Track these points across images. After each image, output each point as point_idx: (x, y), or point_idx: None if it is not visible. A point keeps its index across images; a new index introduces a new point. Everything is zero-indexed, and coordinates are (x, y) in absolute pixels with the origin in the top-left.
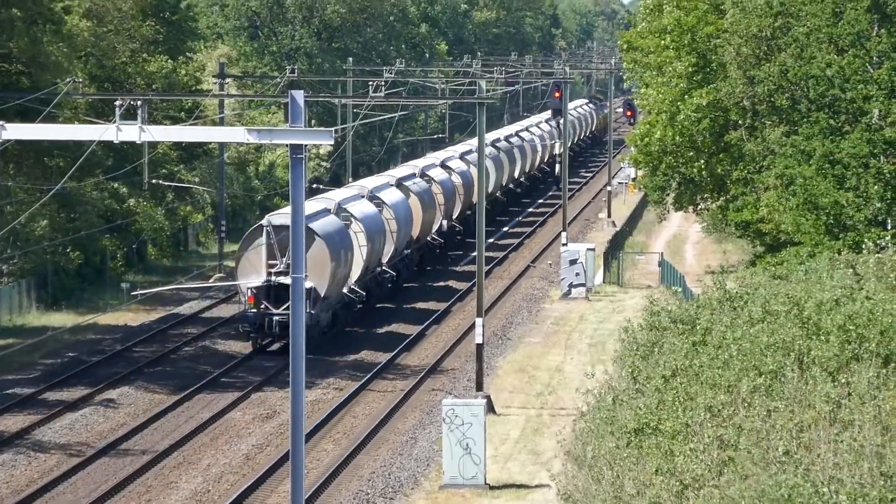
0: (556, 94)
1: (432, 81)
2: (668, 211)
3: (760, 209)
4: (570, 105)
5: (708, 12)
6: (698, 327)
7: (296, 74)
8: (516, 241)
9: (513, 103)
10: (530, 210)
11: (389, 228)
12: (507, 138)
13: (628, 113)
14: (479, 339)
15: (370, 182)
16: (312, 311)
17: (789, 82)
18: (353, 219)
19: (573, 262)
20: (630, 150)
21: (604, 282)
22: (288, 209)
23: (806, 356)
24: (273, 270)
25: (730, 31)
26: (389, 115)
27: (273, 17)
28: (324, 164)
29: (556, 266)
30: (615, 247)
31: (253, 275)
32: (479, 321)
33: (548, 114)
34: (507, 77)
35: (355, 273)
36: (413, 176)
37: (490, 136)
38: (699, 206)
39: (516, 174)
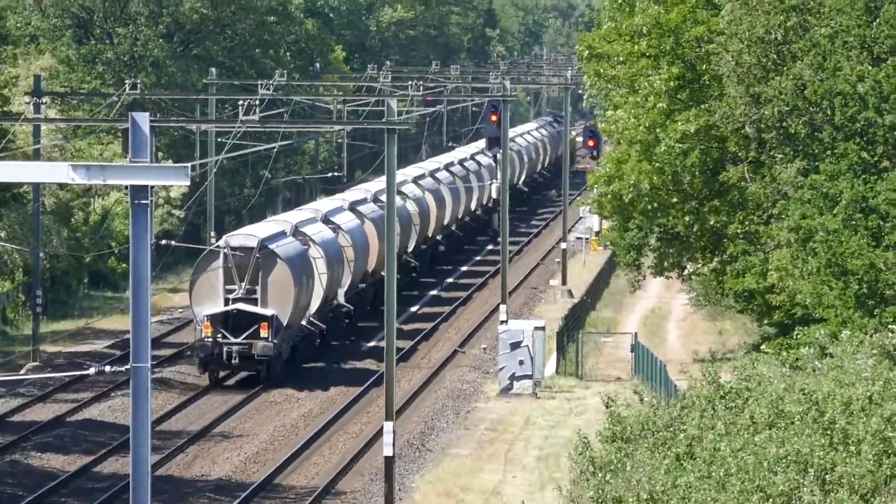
0: (493, 118)
1: (324, 100)
2: (645, 277)
3: (768, 274)
4: (517, 130)
5: (697, 7)
6: (683, 436)
7: (139, 91)
8: (442, 312)
9: (434, 129)
10: (464, 269)
11: (347, 257)
12: (432, 173)
13: (590, 143)
14: (388, 451)
15: (322, 205)
16: (275, 341)
17: (807, 102)
18: (311, 242)
19: (516, 345)
20: (592, 194)
21: (557, 372)
22: (246, 229)
23: (829, 473)
24: (231, 296)
25: (727, 32)
26: (266, 147)
27: (108, 13)
28: (176, 212)
29: (492, 351)
30: (573, 325)
31: (208, 301)
32: (388, 426)
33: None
34: (427, 94)
35: (315, 303)
36: (366, 201)
37: (410, 172)
38: (686, 271)
39: (446, 220)
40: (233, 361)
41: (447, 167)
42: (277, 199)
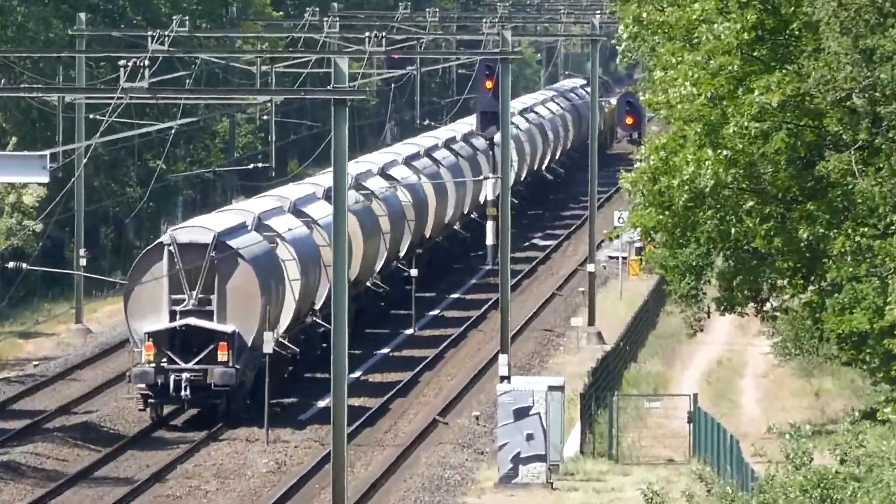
0: (488, 84)
1: (244, 60)
2: (709, 314)
3: (888, 309)
4: (524, 101)
5: None
6: None
7: None
8: (424, 357)
9: (403, 102)
10: (455, 297)
11: (324, 260)
12: (429, 152)
13: (628, 121)
14: None
15: (290, 192)
16: (237, 367)
17: None
18: (280, 240)
19: (522, 413)
20: (630, 199)
21: (582, 452)
22: (199, 219)
23: None
24: (180, 308)
25: None
26: (160, 127)
27: None
28: (30, 222)
29: (487, 421)
30: (604, 384)
31: (149, 315)
32: None
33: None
34: (393, 51)
35: (286, 318)
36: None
37: (402, 150)
38: (768, 306)
39: (447, 216)
40: (183, 393)
41: (448, 144)
42: (177, 200)
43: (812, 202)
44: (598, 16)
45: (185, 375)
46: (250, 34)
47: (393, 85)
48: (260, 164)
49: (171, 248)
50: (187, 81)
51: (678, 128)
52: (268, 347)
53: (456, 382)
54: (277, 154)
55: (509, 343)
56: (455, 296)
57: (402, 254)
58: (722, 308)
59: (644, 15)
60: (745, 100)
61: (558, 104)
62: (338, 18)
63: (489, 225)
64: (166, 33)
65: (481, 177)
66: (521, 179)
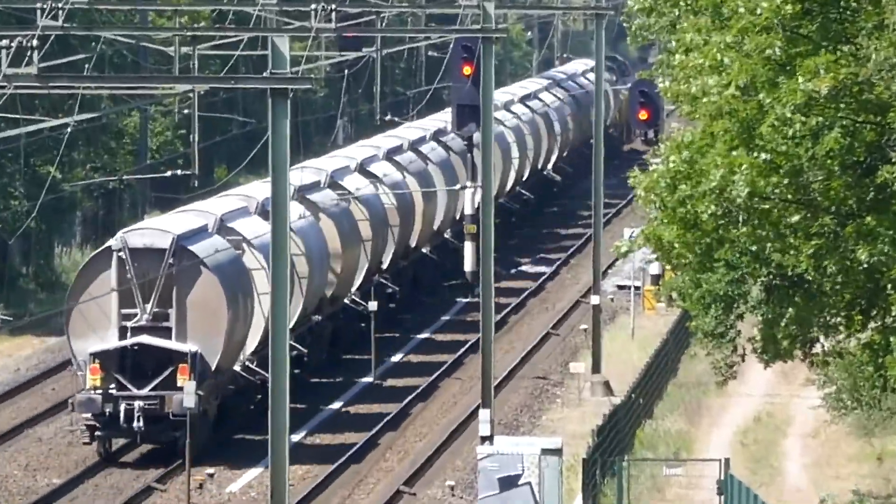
0: (466, 69)
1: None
2: (744, 358)
3: None
4: (513, 91)
5: None
6: None
7: None
8: (382, 416)
9: (359, 92)
10: (423, 337)
11: (297, 271)
12: (415, 146)
13: (642, 115)
14: None
15: (254, 191)
16: (199, 392)
17: None
18: (247, 245)
19: (509, 482)
20: (644, 211)
21: None
22: (153, 222)
23: None
24: (131, 324)
25: None
26: (53, 124)
27: None
28: None
29: (465, 492)
30: (612, 446)
31: (96, 332)
32: None
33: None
34: (346, 28)
35: (253, 338)
36: (318, 186)
37: (382, 143)
38: (817, 348)
39: (437, 223)
40: (135, 425)
41: (415, 146)
42: (74, 217)
43: (873, 216)
44: None
45: (137, 404)
46: (166, 6)
47: (346, 71)
48: (179, 172)
49: (122, 253)
50: (87, 66)
51: (704, 123)
52: (189, 401)
53: (426, 444)
54: (202, 158)
55: (493, 394)
56: (423, 336)
57: (354, 287)
58: (760, 352)
59: None
60: (787, 88)
61: (555, 95)
62: None
63: (468, 246)
64: (60, 5)
65: (457, 186)
66: (508, 189)
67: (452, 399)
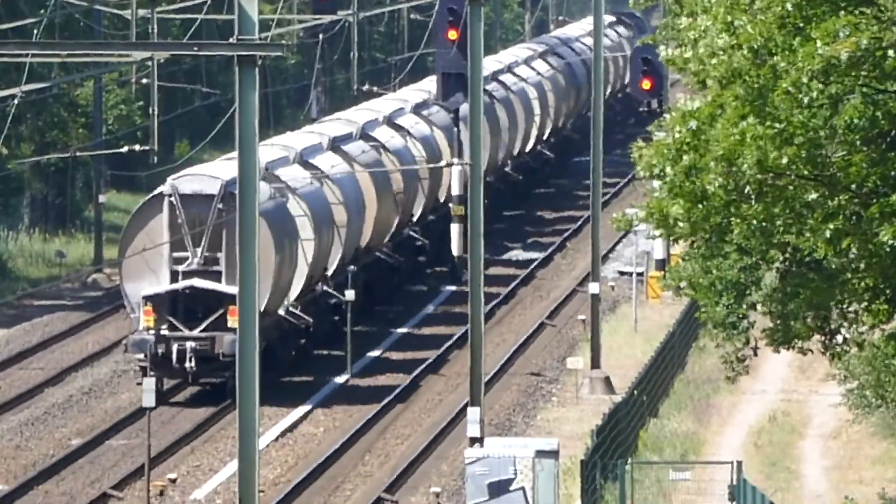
0: (451, 34)
1: (110, 2)
2: (756, 351)
3: None
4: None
5: None
6: None
7: None
8: (361, 417)
9: (333, 59)
10: (404, 331)
11: (336, 219)
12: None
13: (645, 83)
14: None
15: (294, 141)
16: None
17: None
18: (290, 193)
19: (499, 487)
20: (647, 187)
21: None
22: (201, 168)
23: None
24: (183, 268)
25: None
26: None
27: None
28: None
29: (451, 499)
30: (613, 447)
31: (147, 276)
32: None
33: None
34: None
35: (297, 284)
36: (350, 138)
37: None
38: (838, 339)
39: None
40: (187, 365)
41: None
42: (21, 199)
43: None
44: None
45: (189, 344)
46: None
47: (321, 36)
48: (137, 147)
49: (173, 199)
50: (35, 32)
51: (712, 91)
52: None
53: (408, 447)
54: (162, 132)
55: (482, 392)
56: (404, 330)
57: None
58: (774, 343)
59: None
60: (803, 51)
61: (550, 63)
62: None
63: (454, 229)
64: None
65: (442, 163)
66: (499, 166)
67: (437, 397)
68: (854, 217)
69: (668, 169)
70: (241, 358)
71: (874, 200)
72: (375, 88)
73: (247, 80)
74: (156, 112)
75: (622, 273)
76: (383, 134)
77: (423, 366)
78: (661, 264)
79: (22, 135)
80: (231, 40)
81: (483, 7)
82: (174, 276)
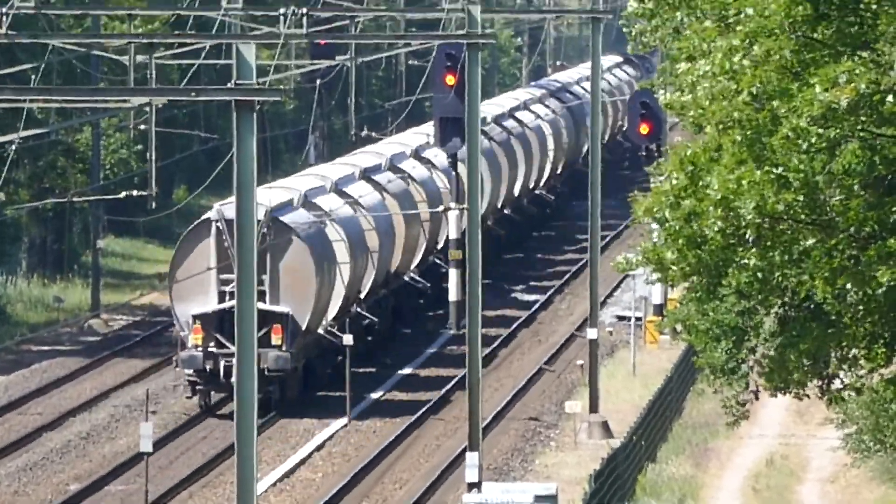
0: (449, 78)
1: (109, 45)
2: (757, 396)
3: None
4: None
5: None
6: None
7: None
8: (360, 460)
9: (331, 105)
10: (405, 373)
11: (369, 245)
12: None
13: (643, 129)
14: None
15: (328, 171)
16: (291, 351)
17: None
18: (328, 219)
19: None
20: (646, 228)
21: None
22: None
23: None
24: (229, 289)
25: None
26: None
27: None
28: None
29: None
30: (612, 493)
31: (196, 296)
32: None
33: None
34: (316, 34)
35: (335, 304)
36: (379, 168)
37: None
38: (835, 384)
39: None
40: (232, 380)
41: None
42: (20, 245)
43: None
44: None
45: (235, 360)
46: (120, 10)
47: (318, 82)
48: (136, 192)
49: (219, 224)
50: (34, 77)
51: (711, 136)
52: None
53: (406, 492)
54: (160, 177)
55: (480, 437)
56: (405, 372)
57: (363, 294)
58: (772, 387)
59: None
60: (802, 97)
61: (549, 107)
62: None
63: (453, 274)
64: (4, 10)
65: (440, 207)
66: (499, 209)
67: (436, 442)
68: (852, 260)
69: (667, 213)
70: (238, 419)
71: (872, 243)
72: (373, 134)
73: (245, 124)
74: (153, 157)
75: (620, 318)
76: (408, 165)
77: (422, 409)
78: (660, 309)
79: (19, 180)
80: (229, 85)
81: (480, 52)
82: (221, 297)
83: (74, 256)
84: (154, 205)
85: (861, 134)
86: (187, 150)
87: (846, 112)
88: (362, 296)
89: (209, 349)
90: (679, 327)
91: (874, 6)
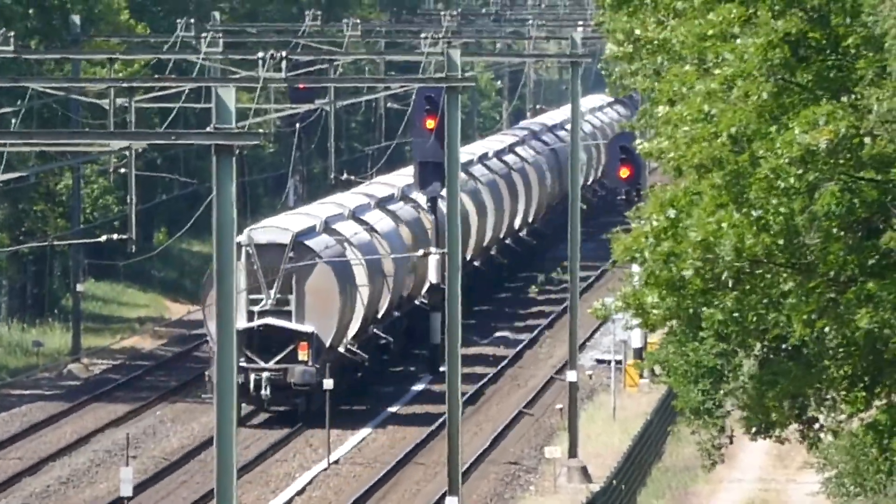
0: (428, 122)
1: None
2: (732, 439)
3: None
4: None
5: None
6: None
7: None
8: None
9: (310, 148)
10: (387, 414)
11: (385, 269)
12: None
13: (623, 172)
14: None
15: (345, 200)
16: (317, 366)
17: None
18: (348, 244)
19: None
20: (626, 271)
21: None
22: (274, 220)
23: None
24: (258, 309)
25: None
26: None
27: None
28: None
29: None
30: None
31: None
32: None
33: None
34: (296, 77)
35: (355, 324)
36: (392, 198)
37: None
38: (816, 427)
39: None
40: (262, 392)
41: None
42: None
43: (874, 281)
44: (580, 29)
45: (264, 375)
46: (100, 54)
47: (298, 125)
48: (116, 236)
49: (249, 248)
50: (13, 121)
51: (691, 179)
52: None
53: None
54: (140, 221)
55: (460, 481)
56: (391, 410)
57: (379, 315)
58: (752, 431)
59: (641, 29)
60: (782, 138)
61: (532, 148)
62: (220, 34)
63: (434, 317)
64: None
65: (420, 252)
66: (483, 249)
67: (416, 486)
68: (834, 305)
69: (646, 254)
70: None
71: (851, 286)
72: (353, 177)
73: (224, 168)
74: (133, 201)
75: (600, 361)
76: (421, 197)
77: (402, 453)
78: (639, 353)
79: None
80: (208, 129)
81: (460, 95)
82: (251, 316)
83: (54, 300)
84: (134, 248)
85: (841, 177)
86: (168, 192)
87: (825, 154)
88: (379, 316)
89: (239, 364)
90: (657, 369)
91: (853, 50)
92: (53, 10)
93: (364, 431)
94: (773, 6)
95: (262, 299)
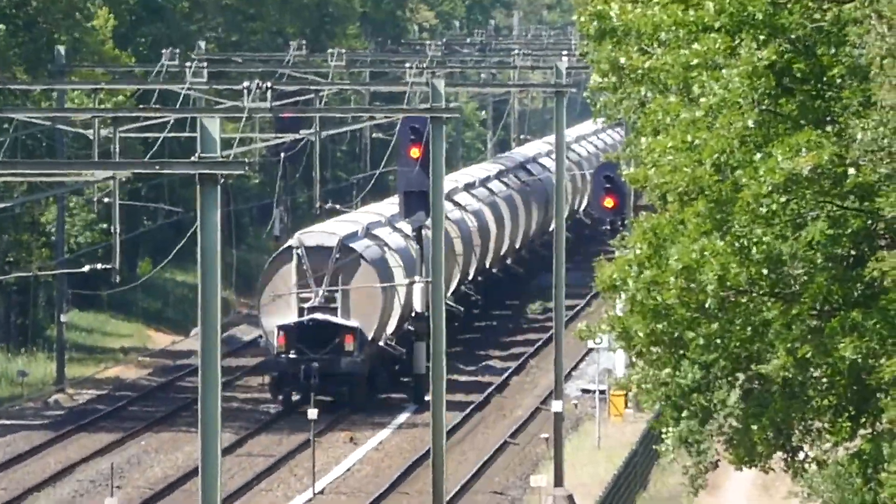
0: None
1: (73, 122)
2: (716, 465)
3: None
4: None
5: None
6: None
7: None
8: None
9: (296, 177)
10: (370, 446)
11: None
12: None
13: (608, 202)
14: None
15: (382, 209)
16: (361, 356)
17: None
18: (386, 248)
19: None
20: (608, 302)
21: None
22: (322, 226)
23: None
24: (307, 305)
25: None
26: None
27: None
28: None
29: None
30: None
31: (280, 311)
32: None
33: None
34: (280, 107)
35: (393, 321)
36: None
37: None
38: (800, 457)
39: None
40: (312, 381)
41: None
42: None
43: (858, 311)
44: (564, 59)
45: (314, 365)
46: (85, 85)
47: (283, 155)
48: (100, 266)
49: (300, 251)
50: None
51: (675, 207)
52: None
53: None
54: (124, 250)
55: None
56: (372, 442)
57: (487, 264)
58: (736, 460)
59: (626, 59)
60: (765, 166)
61: (516, 178)
62: (205, 63)
63: (419, 347)
64: None
65: (405, 281)
66: (468, 279)
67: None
68: (817, 334)
69: (630, 282)
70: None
71: (835, 316)
72: (338, 206)
73: (209, 198)
74: (118, 230)
75: (585, 391)
76: (448, 206)
77: (386, 484)
78: (621, 381)
79: None
80: (193, 159)
81: (445, 125)
82: (301, 311)
83: (39, 330)
84: (118, 278)
85: (827, 207)
86: (152, 222)
87: (808, 180)
88: (413, 314)
89: (291, 355)
90: (632, 392)
91: (838, 80)
92: (39, 39)
93: (349, 461)
94: (758, 36)
95: (311, 296)
